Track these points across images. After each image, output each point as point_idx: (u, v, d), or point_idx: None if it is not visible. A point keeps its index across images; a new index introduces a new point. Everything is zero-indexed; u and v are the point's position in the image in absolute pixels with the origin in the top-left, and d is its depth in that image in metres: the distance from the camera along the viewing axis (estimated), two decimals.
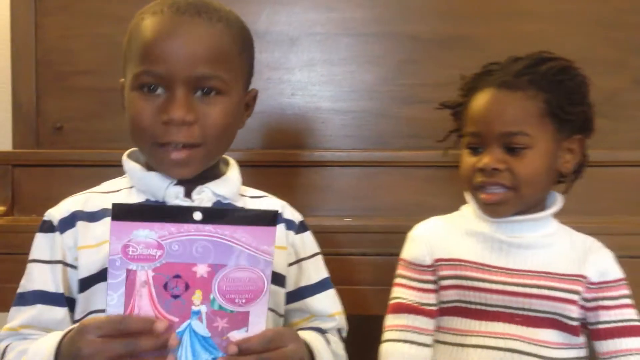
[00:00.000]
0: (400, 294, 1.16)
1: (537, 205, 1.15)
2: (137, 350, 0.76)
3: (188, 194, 1.01)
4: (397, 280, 1.18)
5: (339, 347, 1.06)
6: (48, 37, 1.67)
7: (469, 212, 1.19)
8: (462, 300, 1.14)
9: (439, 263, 1.15)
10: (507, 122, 1.10)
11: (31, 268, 1.01)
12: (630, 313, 1.12)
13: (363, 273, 1.19)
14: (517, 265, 1.12)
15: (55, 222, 1.01)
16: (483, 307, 1.12)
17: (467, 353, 1.11)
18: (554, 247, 1.14)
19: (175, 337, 0.77)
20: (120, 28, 1.64)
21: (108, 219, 0.97)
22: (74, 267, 0.99)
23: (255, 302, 0.79)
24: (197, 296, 0.78)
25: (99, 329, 0.77)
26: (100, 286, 0.96)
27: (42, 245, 1.01)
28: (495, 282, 1.11)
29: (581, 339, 1.13)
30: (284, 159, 1.59)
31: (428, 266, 1.16)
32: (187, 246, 0.76)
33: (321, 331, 1.05)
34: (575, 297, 1.10)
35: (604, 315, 1.12)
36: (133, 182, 1.04)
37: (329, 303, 1.09)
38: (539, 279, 1.11)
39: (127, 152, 1.08)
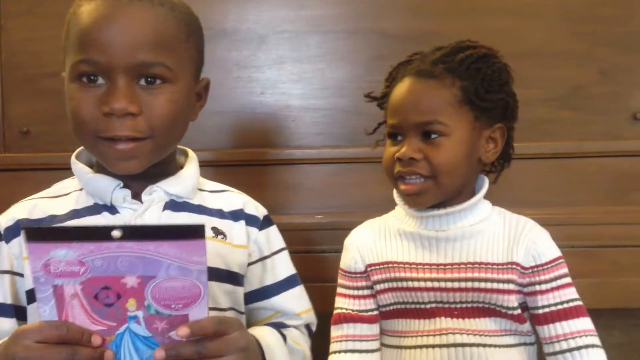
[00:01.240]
0: (340, 303, 1.16)
1: (462, 193, 1.13)
2: (73, 358, 0.74)
3: (138, 196, 0.97)
4: (337, 289, 1.17)
5: (301, 341, 1.04)
6: (13, 40, 1.64)
7: (399, 212, 1.18)
8: (398, 302, 1.13)
9: (371, 268, 1.14)
10: (422, 112, 1.08)
11: None
12: (569, 293, 1.09)
13: (334, 270, 1.19)
14: (447, 260, 1.10)
15: (2, 230, 0.98)
16: (420, 306, 1.11)
17: (410, 354, 1.10)
18: (485, 235, 1.11)
19: (111, 353, 0.76)
20: None
21: (57, 226, 0.95)
22: (22, 275, 0.96)
23: (193, 306, 0.77)
24: (132, 303, 0.76)
25: (37, 333, 0.75)
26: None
27: None
28: (426, 279, 1.10)
29: (527, 326, 1.11)
30: (254, 158, 1.58)
31: (361, 272, 1.15)
32: (110, 262, 0.73)
33: (280, 326, 1.03)
34: (510, 286, 1.08)
35: (542, 300, 1.09)
36: (82, 184, 1.00)
37: (295, 301, 1.08)
38: (472, 271, 1.09)
39: (75, 152, 1.03)
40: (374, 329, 1.15)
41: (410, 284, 1.11)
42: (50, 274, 0.72)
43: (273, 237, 1.09)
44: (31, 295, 0.94)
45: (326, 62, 1.66)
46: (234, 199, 1.08)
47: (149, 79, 0.91)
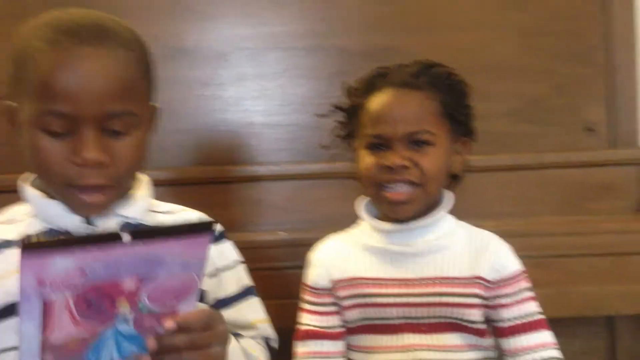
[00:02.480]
0: (304, 319, 1.16)
1: (429, 208, 1.14)
2: None
3: (91, 220, 0.95)
4: (301, 305, 1.17)
5: (257, 350, 1.02)
6: None
7: (365, 226, 1.18)
8: (365, 317, 1.13)
9: (337, 284, 1.14)
10: (411, 122, 1.11)
11: None
12: (531, 306, 1.11)
13: (298, 286, 1.18)
14: (413, 274, 1.11)
15: None
16: (387, 321, 1.11)
17: None
18: (449, 250, 1.13)
19: None
20: None
21: (8, 251, 0.92)
22: None
23: (186, 300, 0.76)
24: (124, 305, 0.73)
25: None
26: (6, 324, 0.89)
27: None
28: (393, 295, 1.10)
29: (488, 340, 1.12)
30: (217, 175, 1.58)
31: (326, 289, 1.15)
32: (112, 267, 0.70)
33: (234, 334, 1.00)
34: (475, 300, 1.09)
35: (506, 313, 1.10)
36: (35, 211, 0.97)
37: (248, 311, 1.06)
38: (438, 286, 1.10)
39: (22, 177, 0.99)
40: (339, 345, 1.15)
41: (377, 300, 1.11)
42: (43, 288, 0.67)
43: (227, 252, 1.08)
44: None
45: (287, 79, 1.67)
46: (189, 217, 1.08)
47: (117, 129, 0.90)
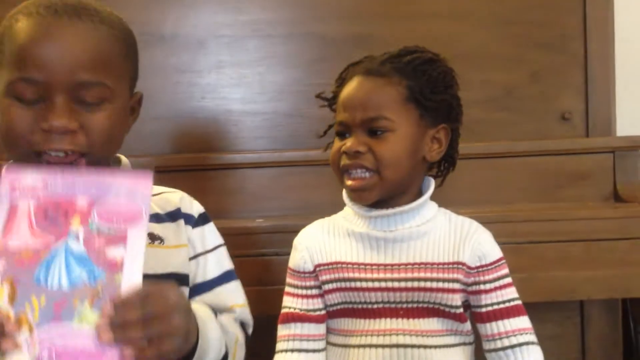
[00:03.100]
0: (287, 302, 1.17)
1: (408, 194, 1.16)
2: None
3: None
4: (285, 289, 1.19)
5: (234, 328, 1.02)
6: None
7: (348, 212, 1.20)
8: (346, 301, 1.14)
9: (320, 268, 1.16)
10: (368, 108, 1.12)
11: None
12: (509, 292, 1.14)
13: (276, 273, 1.20)
14: (395, 260, 1.13)
15: None
16: (367, 306, 1.13)
17: (353, 353, 1.12)
18: (431, 236, 1.14)
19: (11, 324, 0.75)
20: None
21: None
22: None
23: (133, 225, 0.80)
24: (76, 220, 0.79)
25: None
26: None
27: None
28: (374, 279, 1.12)
29: (467, 325, 1.14)
30: (194, 163, 1.58)
31: (310, 272, 1.17)
32: (69, 185, 0.81)
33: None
34: (455, 285, 1.11)
35: (485, 299, 1.12)
36: None
37: (228, 295, 1.06)
38: (418, 272, 1.11)
39: (5, 166, 1.01)
40: (321, 328, 1.17)
41: (358, 284, 1.12)
42: (13, 192, 0.80)
43: (208, 235, 1.08)
44: None
45: (265, 66, 1.67)
46: (170, 198, 1.08)
47: (88, 100, 0.91)
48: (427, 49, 1.20)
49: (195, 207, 1.09)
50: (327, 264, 1.16)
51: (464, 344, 1.15)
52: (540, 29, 1.71)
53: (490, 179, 1.57)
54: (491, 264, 1.13)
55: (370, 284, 1.12)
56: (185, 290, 1.03)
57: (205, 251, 1.07)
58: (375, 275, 1.12)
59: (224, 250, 1.10)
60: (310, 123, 1.65)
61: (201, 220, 1.09)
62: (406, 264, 1.12)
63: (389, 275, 1.12)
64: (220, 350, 0.92)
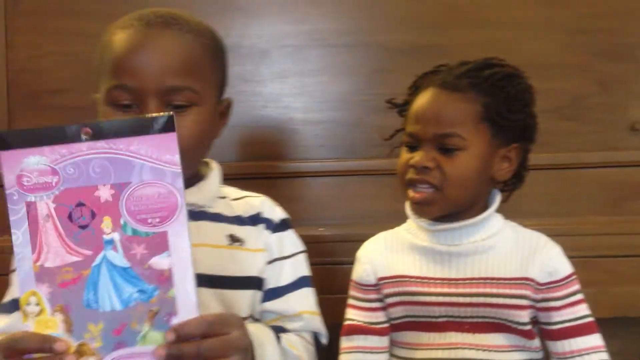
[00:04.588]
0: (350, 315, 1.17)
1: (474, 208, 1.13)
2: None
3: None
4: (348, 301, 1.18)
5: (299, 347, 1.02)
6: (19, 57, 1.66)
7: (411, 225, 1.18)
8: (409, 315, 1.13)
9: (383, 281, 1.15)
10: (441, 124, 1.09)
11: (11, 279, 1.00)
12: (581, 309, 1.10)
13: (338, 281, 1.20)
14: (459, 274, 1.10)
15: None
16: (431, 319, 1.11)
17: None
18: (497, 250, 1.11)
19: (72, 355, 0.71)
20: (89, 46, 1.63)
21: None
22: None
23: (171, 220, 0.72)
24: (107, 223, 0.72)
25: (1, 350, 0.71)
26: None
27: None
28: (437, 294, 1.10)
29: (536, 342, 1.11)
30: (257, 171, 1.60)
31: (372, 285, 1.16)
32: (82, 167, 0.71)
33: (279, 330, 1.02)
34: (523, 301, 1.08)
35: (556, 316, 1.09)
36: None
37: (297, 301, 1.07)
38: (484, 287, 1.09)
39: None
40: (384, 341, 1.16)
41: (421, 298, 1.11)
42: (23, 187, 0.71)
43: (286, 241, 1.10)
44: None
45: (328, 76, 1.68)
46: (252, 202, 1.11)
47: (177, 103, 0.96)
48: (507, 63, 1.17)
49: (277, 213, 1.12)
50: (390, 278, 1.14)
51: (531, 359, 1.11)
52: (608, 37, 1.66)
53: (555, 191, 1.54)
54: (562, 279, 1.10)
55: (434, 298, 1.10)
56: (258, 295, 1.05)
57: (282, 257, 1.08)
58: (439, 290, 1.10)
59: (302, 258, 1.11)
60: (371, 133, 1.65)
61: (281, 226, 1.10)
62: (471, 279, 1.10)
63: (453, 289, 1.10)
64: None
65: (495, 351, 1.09)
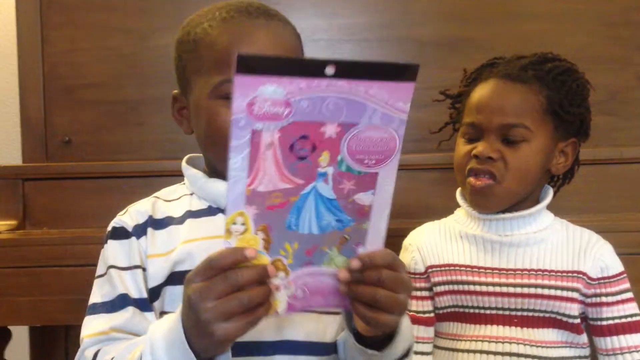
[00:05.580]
0: None
1: (527, 201, 1.13)
2: (239, 282, 0.72)
3: None
4: None
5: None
6: (55, 51, 1.68)
7: (461, 215, 1.18)
8: (457, 305, 1.12)
9: (432, 269, 1.14)
10: (507, 114, 1.09)
11: (111, 275, 0.96)
12: (632, 307, 1.10)
13: None
14: (510, 265, 1.10)
15: (130, 228, 0.99)
16: (479, 311, 1.11)
17: (464, 357, 1.10)
18: (549, 243, 1.11)
19: (272, 266, 0.75)
20: (125, 41, 1.68)
21: (172, 227, 0.98)
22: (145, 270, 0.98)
23: (386, 163, 0.74)
24: (324, 158, 0.73)
25: (199, 273, 0.74)
26: (168, 289, 0.94)
27: (118, 252, 0.98)
28: (489, 284, 1.09)
29: (584, 338, 1.10)
30: None
31: (421, 274, 1.16)
32: (317, 104, 0.70)
33: None
34: (574, 294, 1.08)
35: (606, 312, 1.09)
36: (193, 189, 1.02)
37: None
38: (535, 278, 1.08)
39: (185, 158, 1.06)
40: (430, 331, 1.16)
41: (471, 287, 1.10)
42: (252, 115, 0.69)
43: None
44: (153, 293, 0.96)
45: None
46: None
47: None
48: (563, 58, 1.17)
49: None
50: (440, 266, 1.14)
51: (580, 357, 1.11)
52: None
53: (594, 186, 1.51)
54: (614, 276, 1.10)
55: (484, 288, 1.10)
56: None
57: None
58: (489, 280, 1.10)
59: None
60: (406, 127, 1.63)
61: None
62: (522, 270, 1.10)
63: (503, 280, 1.10)
64: (410, 339, 0.90)
65: (543, 347, 1.09)
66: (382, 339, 0.84)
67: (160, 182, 1.12)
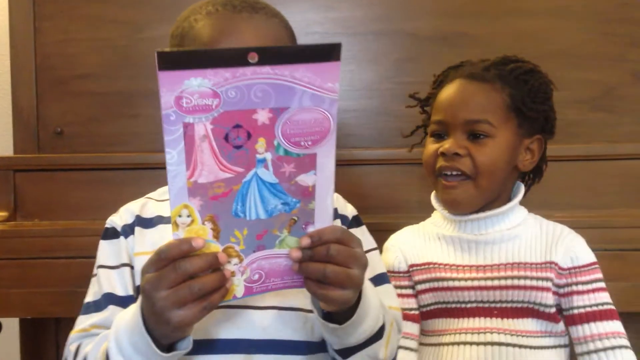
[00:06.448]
0: None
1: (499, 199, 1.17)
2: (189, 270, 0.75)
3: None
4: None
5: (391, 313, 0.99)
6: (47, 42, 1.67)
7: (437, 218, 1.22)
8: (439, 302, 1.16)
9: (413, 268, 1.18)
10: (472, 110, 1.13)
11: (99, 275, 1.00)
12: (603, 297, 1.13)
13: None
14: (487, 261, 1.14)
15: (119, 228, 1.02)
16: (460, 305, 1.14)
17: (447, 350, 1.13)
18: (522, 239, 1.15)
19: (222, 253, 0.77)
20: (119, 32, 1.67)
21: (162, 226, 1.00)
22: (133, 268, 1.01)
23: (322, 143, 0.75)
24: (261, 144, 0.74)
25: (151, 264, 0.77)
26: None
27: (107, 252, 1.01)
28: (467, 279, 1.13)
29: (561, 326, 1.14)
30: None
31: (404, 272, 1.19)
32: (244, 92, 0.70)
33: None
34: (547, 284, 1.11)
35: (578, 300, 1.12)
36: None
37: (384, 297, 1.01)
38: (512, 270, 1.12)
39: None
40: (415, 328, 1.19)
41: (451, 283, 1.14)
42: (182, 109, 0.70)
43: (361, 237, 1.08)
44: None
45: (355, 64, 1.67)
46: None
47: None
48: (527, 60, 1.20)
49: (349, 209, 1.12)
50: (421, 265, 1.18)
51: (560, 346, 1.14)
52: None
53: (587, 182, 1.51)
54: (584, 266, 1.13)
55: (463, 283, 1.13)
56: None
57: None
58: (467, 275, 1.14)
59: (376, 254, 1.10)
60: (399, 121, 1.62)
61: (355, 222, 1.10)
62: (499, 265, 1.14)
63: (481, 274, 1.13)
64: (378, 319, 0.90)
65: (523, 336, 1.12)
66: (346, 314, 0.85)
67: (153, 174, 1.12)
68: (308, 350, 0.97)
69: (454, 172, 1.13)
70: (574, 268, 1.13)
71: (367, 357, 0.91)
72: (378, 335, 0.91)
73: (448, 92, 1.17)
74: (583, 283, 1.12)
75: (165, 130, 0.70)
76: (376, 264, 1.07)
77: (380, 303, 0.92)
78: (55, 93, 1.66)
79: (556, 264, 1.12)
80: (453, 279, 1.14)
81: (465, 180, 1.12)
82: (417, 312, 1.19)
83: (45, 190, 1.59)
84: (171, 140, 0.71)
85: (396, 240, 1.23)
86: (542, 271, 1.12)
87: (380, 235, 1.19)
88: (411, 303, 1.18)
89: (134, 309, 0.83)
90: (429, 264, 1.17)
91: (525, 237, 1.15)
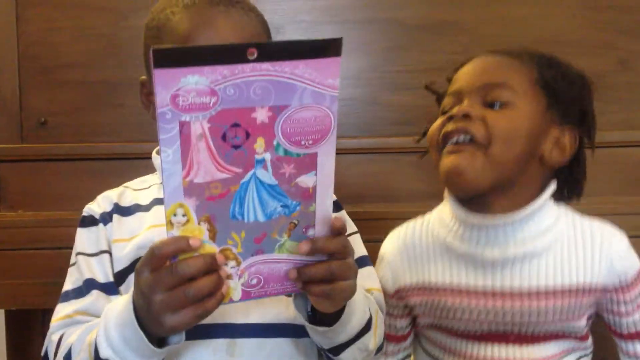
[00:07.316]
0: None
1: (517, 196, 0.96)
2: (186, 273, 0.73)
3: None
4: None
5: (375, 303, 0.97)
6: (30, 30, 1.64)
7: (445, 212, 1.02)
8: (441, 326, 0.98)
9: (404, 293, 1.01)
10: (491, 73, 0.95)
11: (79, 262, 1.00)
12: None
13: None
14: (505, 284, 0.93)
15: (97, 215, 1.02)
16: (469, 331, 0.98)
17: None
18: (553, 253, 0.93)
19: (220, 254, 0.75)
20: (104, 20, 1.65)
21: (140, 214, 1.00)
22: (111, 255, 1.01)
23: (323, 142, 0.73)
24: (260, 144, 0.71)
25: (146, 263, 0.76)
26: (132, 275, 0.93)
27: (85, 239, 1.01)
28: (479, 309, 0.94)
29: (589, 342, 0.99)
30: None
31: (394, 292, 1.04)
32: (243, 89, 0.68)
33: None
34: (587, 311, 0.95)
35: (625, 320, 0.98)
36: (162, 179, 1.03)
37: (364, 280, 0.99)
38: (537, 300, 0.92)
39: (155, 149, 1.06)
40: (400, 347, 1.08)
41: (457, 314, 0.96)
42: (178, 107, 0.67)
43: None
44: (119, 278, 0.98)
45: (343, 53, 1.63)
46: None
47: None
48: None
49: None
50: (416, 287, 1.00)
51: (582, 356, 1.01)
52: (631, 14, 1.62)
53: None
54: (632, 281, 0.97)
55: (474, 315, 0.94)
56: None
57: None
58: (481, 303, 0.94)
59: (358, 238, 1.09)
60: (388, 110, 1.62)
61: (335, 207, 1.08)
62: (520, 291, 0.93)
63: (499, 304, 0.93)
64: (365, 312, 0.90)
65: None
66: (335, 315, 0.85)
67: (139, 164, 1.12)
68: (294, 334, 0.97)
69: (462, 139, 0.92)
70: (620, 286, 0.96)
71: (358, 350, 0.91)
72: (366, 327, 0.90)
73: (467, 66, 1.00)
74: (629, 302, 0.97)
75: (161, 128, 0.68)
76: (359, 246, 1.06)
77: (364, 295, 0.92)
78: (38, 82, 1.64)
79: (599, 286, 0.94)
80: (458, 309, 0.95)
81: (474, 147, 0.91)
82: (405, 332, 1.04)
83: (29, 180, 1.57)
84: (166, 138, 0.69)
85: (388, 252, 1.07)
86: (578, 297, 0.93)
87: (370, 224, 1.18)
88: (398, 323, 1.03)
89: (124, 303, 0.81)
90: (427, 285, 0.98)
91: (557, 251, 0.94)
